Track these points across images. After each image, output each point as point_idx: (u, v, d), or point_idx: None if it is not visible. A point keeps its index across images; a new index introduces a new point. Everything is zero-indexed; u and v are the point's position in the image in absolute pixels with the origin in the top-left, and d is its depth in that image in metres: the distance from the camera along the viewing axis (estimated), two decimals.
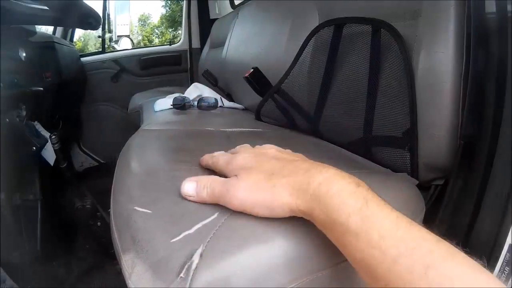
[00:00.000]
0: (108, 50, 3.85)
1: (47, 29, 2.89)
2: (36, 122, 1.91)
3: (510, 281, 0.73)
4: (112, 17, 4.11)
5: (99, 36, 3.74)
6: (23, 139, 1.70)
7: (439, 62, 1.01)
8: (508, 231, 0.72)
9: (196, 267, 0.56)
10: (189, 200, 0.68)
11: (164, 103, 2.12)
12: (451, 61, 0.98)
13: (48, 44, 2.38)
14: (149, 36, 12.63)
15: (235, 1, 3.57)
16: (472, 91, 0.92)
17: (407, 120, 1.08)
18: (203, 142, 1.26)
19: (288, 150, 0.74)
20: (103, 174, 3.17)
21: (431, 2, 1.06)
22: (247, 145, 0.80)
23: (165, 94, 2.45)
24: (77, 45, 3.50)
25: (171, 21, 11.30)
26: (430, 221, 1.01)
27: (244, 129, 1.51)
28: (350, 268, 0.54)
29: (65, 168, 2.30)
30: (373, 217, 0.49)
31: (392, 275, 0.45)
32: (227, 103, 2.25)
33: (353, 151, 1.30)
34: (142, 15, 12.31)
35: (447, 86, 0.99)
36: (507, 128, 0.75)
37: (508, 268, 0.72)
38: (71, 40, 3.48)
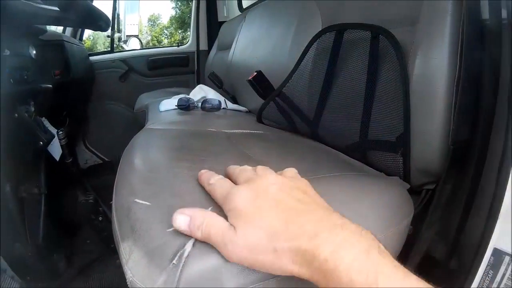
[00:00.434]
0: (117, 50, 3.90)
1: (57, 28, 2.92)
2: (43, 118, 1.95)
3: (493, 285, 0.75)
4: (121, 17, 4.15)
5: (108, 36, 3.79)
6: (30, 133, 1.73)
7: (433, 68, 1.04)
8: (492, 235, 0.74)
9: (188, 255, 0.60)
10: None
11: (169, 103, 2.15)
12: (445, 68, 1.01)
13: (58, 43, 2.42)
14: (158, 36, 12.66)
15: (243, 5, 3.61)
16: (463, 97, 0.95)
17: (400, 125, 1.11)
18: (205, 142, 1.30)
19: (297, 181, 0.66)
20: (107, 172, 3.21)
21: (429, 9, 1.09)
22: (247, 168, 0.72)
23: (171, 94, 2.48)
24: (86, 44, 3.53)
25: (181, 22, 11.33)
26: (420, 224, 1.04)
27: (245, 131, 1.54)
28: None
29: (70, 163, 2.33)
30: None
31: None
32: (230, 105, 2.28)
33: (350, 155, 1.34)
34: (152, 15, 12.36)
35: (441, 92, 1.02)
36: (498, 135, 0.77)
37: (492, 272, 0.74)
38: (80, 39, 3.51)
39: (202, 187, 0.81)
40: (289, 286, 0.64)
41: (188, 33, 4.11)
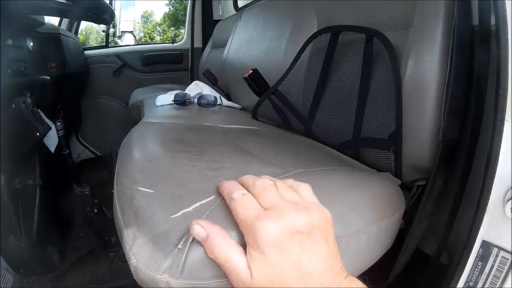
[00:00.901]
0: (111, 45, 3.90)
1: (50, 20, 2.92)
2: (39, 110, 1.96)
3: (482, 276, 0.77)
4: (117, 12, 4.16)
5: (103, 31, 3.78)
6: (27, 125, 1.73)
7: (425, 70, 1.08)
8: (480, 227, 0.75)
9: (193, 240, 0.63)
10: None
11: (166, 98, 2.17)
12: (436, 70, 1.05)
13: (54, 36, 2.43)
14: (150, 33, 12.59)
15: (238, 4, 3.63)
16: (453, 98, 0.99)
17: (393, 123, 1.15)
18: (202, 135, 1.33)
19: (322, 221, 0.62)
20: (99, 166, 3.22)
21: (422, 14, 1.13)
22: (269, 185, 0.67)
23: (165, 90, 2.51)
24: (79, 38, 3.52)
25: (174, 19, 11.27)
26: (411, 219, 1.08)
27: (241, 126, 1.57)
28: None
29: (67, 155, 2.35)
30: None
31: None
32: (225, 102, 2.31)
33: (343, 152, 1.38)
34: (145, 12, 12.29)
35: (431, 93, 1.06)
36: (486, 134, 0.79)
37: (481, 263, 0.75)
38: (76, 33, 3.51)
39: (204, 177, 0.85)
40: None
41: (181, 30, 4.13)
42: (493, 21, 0.85)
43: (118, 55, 3.70)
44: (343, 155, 1.37)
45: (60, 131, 2.20)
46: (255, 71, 1.83)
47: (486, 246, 0.74)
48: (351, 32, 1.34)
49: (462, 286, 0.78)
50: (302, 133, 1.58)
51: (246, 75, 1.82)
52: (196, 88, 2.32)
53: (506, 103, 0.67)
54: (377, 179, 1.07)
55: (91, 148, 3.69)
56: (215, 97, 2.21)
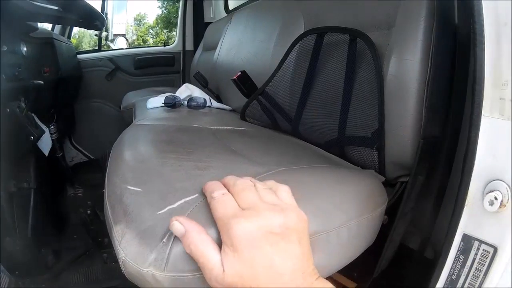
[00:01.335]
0: (104, 49, 3.90)
1: (43, 24, 2.91)
2: (33, 115, 1.97)
3: (464, 269, 0.77)
4: (109, 16, 4.16)
5: (96, 35, 3.79)
6: (22, 128, 1.73)
7: (406, 69, 1.10)
8: (459, 220, 0.75)
9: None
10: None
11: (156, 101, 2.18)
12: (418, 68, 1.07)
13: (48, 41, 2.42)
14: (143, 36, 12.55)
15: (229, 6, 3.64)
16: (433, 96, 1.00)
17: (376, 121, 1.16)
18: (191, 136, 1.34)
19: (299, 223, 0.64)
20: (93, 169, 3.22)
21: (404, 14, 1.15)
22: (249, 186, 0.69)
23: (157, 93, 2.50)
24: (72, 42, 3.52)
25: (167, 22, 11.22)
26: (394, 215, 1.09)
27: (229, 127, 1.58)
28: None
29: (60, 158, 2.36)
30: None
31: None
32: (215, 103, 2.32)
33: (328, 150, 1.39)
34: (138, 14, 12.24)
35: (413, 91, 1.07)
36: (465, 132, 0.80)
37: (462, 257, 0.75)
38: (69, 37, 3.50)
39: (190, 176, 0.86)
40: None
41: (174, 33, 4.13)
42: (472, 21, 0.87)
43: (110, 59, 3.69)
44: (328, 153, 1.38)
45: (54, 134, 2.21)
46: (243, 73, 1.84)
47: (467, 240, 0.74)
48: (335, 33, 1.36)
49: (444, 280, 0.78)
50: (289, 133, 1.59)
51: (234, 77, 1.84)
52: (187, 91, 2.32)
53: (482, 98, 0.68)
54: (360, 175, 1.09)
55: (85, 152, 3.67)
56: (205, 99, 2.22)
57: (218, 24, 3.33)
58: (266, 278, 0.57)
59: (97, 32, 3.73)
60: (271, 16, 2.15)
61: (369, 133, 1.19)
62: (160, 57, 3.92)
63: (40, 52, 2.20)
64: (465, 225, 0.74)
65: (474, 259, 0.73)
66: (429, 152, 1.02)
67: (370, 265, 1.14)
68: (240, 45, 2.48)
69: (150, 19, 12.80)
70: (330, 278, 0.98)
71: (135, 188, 0.83)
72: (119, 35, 4.30)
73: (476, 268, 0.73)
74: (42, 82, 1.98)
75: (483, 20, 0.67)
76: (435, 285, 0.79)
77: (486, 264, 0.71)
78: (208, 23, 3.75)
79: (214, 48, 3.00)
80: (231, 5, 3.61)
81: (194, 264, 0.62)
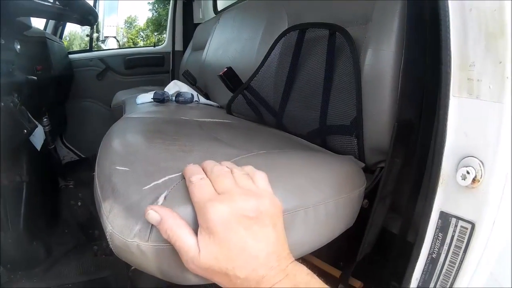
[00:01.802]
0: (95, 49, 3.92)
1: (35, 24, 2.91)
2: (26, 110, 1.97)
3: (444, 247, 0.78)
4: (100, 17, 4.16)
5: (87, 35, 3.80)
6: (15, 123, 1.74)
7: (382, 59, 1.14)
8: (435, 197, 0.75)
9: (161, 206, 0.67)
10: None
11: (146, 97, 2.21)
12: (392, 58, 1.11)
13: (41, 39, 2.44)
14: (134, 38, 12.48)
15: (218, 7, 3.66)
16: (406, 82, 1.04)
17: (354, 110, 1.20)
18: (178, 127, 1.37)
19: (272, 208, 0.66)
20: (84, 167, 3.21)
21: (380, 9, 1.19)
22: (225, 171, 0.71)
23: (147, 92, 2.51)
24: (63, 43, 3.52)
25: (157, 24, 11.16)
26: (375, 199, 1.11)
27: (215, 120, 1.61)
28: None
29: (52, 150, 2.36)
30: None
31: None
32: (203, 100, 2.35)
33: (311, 141, 1.42)
34: (129, 17, 12.17)
35: (388, 79, 1.11)
36: (442, 113, 0.80)
37: (441, 235, 0.75)
38: (61, 37, 3.51)
39: (175, 157, 0.90)
40: None
41: (164, 35, 4.13)
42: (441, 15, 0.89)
43: (101, 59, 3.70)
44: (311, 143, 1.41)
45: (47, 127, 2.22)
46: (229, 69, 1.88)
47: (445, 217, 0.74)
48: (316, 29, 1.39)
49: (425, 259, 0.79)
50: (274, 126, 1.62)
51: (221, 73, 1.88)
52: (175, 87, 2.35)
53: (449, 79, 0.70)
54: (338, 159, 1.13)
55: (75, 151, 3.66)
56: (192, 95, 2.25)
57: (207, 24, 3.36)
58: (241, 260, 0.59)
59: (88, 33, 3.74)
60: (256, 16, 2.18)
61: (348, 121, 1.22)
62: (150, 57, 3.94)
63: (33, 50, 2.21)
64: (442, 202, 0.74)
65: (452, 236, 0.73)
66: (404, 135, 1.04)
67: (355, 253, 1.16)
68: (227, 43, 2.50)
69: (141, 22, 12.76)
70: (316, 268, 1.00)
71: (123, 168, 0.86)
72: (109, 37, 4.28)
73: (455, 245, 0.73)
74: (35, 78, 1.99)
75: (448, 7, 0.70)
76: (415, 264, 0.80)
77: (465, 240, 0.71)
78: (197, 24, 3.77)
79: (202, 47, 3.01)
80: (220, 6, 3.63)
81: None
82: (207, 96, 2.57)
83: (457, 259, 0.73)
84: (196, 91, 2.49)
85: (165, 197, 0.70)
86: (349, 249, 1.20)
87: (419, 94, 1.01)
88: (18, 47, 1.90)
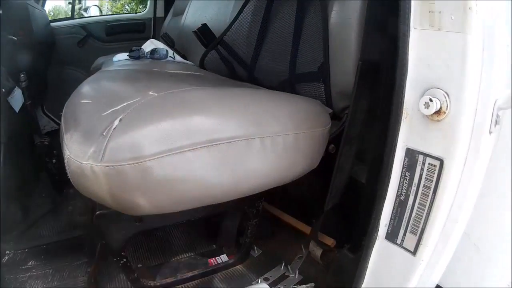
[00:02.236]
0: (77, 17, 3.85)
1: None
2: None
3: (412, 187, 0.72)
4: None
5: (69, 3, 3.74)
6: None
7: (347, 7, 1.13)
8: (398, 132, 0.72)
9: (115, 128, 0.68)
10: None
11: (122, 55, 2.21)
12: (358, 4, 1.10)
13: (22, 5, 2.41)
14: (119, 12, 12.35)
15: None
16: (369, 19, 1.02)
17: (321, 55, 1.19)
18: (149, 76, 1.38)
19: None
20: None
21: None
22: None
23: None
24: (45, 11, 3.48)
25: None
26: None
27: (187, 72, 1.60)
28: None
29: (28, 106, 2.32)
30: None
31: None
32: (178, 58, 2.33)
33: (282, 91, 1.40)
34: None
35: (354, 21, 1.11)
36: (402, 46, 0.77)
37: (408, 174, 0.72)
38: (43, 5, 3.39)
39: (137, 88, 0.93)
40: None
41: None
42: None
43: (83, 26, 3.64)
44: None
45: (24, 83, 2.17)
46: (204, 25, 1.87)
47: (411, 154, 0.71)
48: None
49: (392, 203, 0.76)
50: (246, 80, 1.61)
51: (195, 29, 1.87)
52: (151, 45, 2.33)
53: (409, 12, 0.68)
54: (302, 98, 1.12)
55: (56, 120, 3.56)
56: (167, 51, 2.23)
57: None
58: None
59: (70, 0, 3.68)
60: None
61: (315, 67, 1.22)
62: (131, 23, 3.89)
63: (14, 14, 2.18)
64: (407, 138, 0.71)
65: (421, 175, 0.70)
66: (369, 75, 1.02)
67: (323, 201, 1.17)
68: (205, 6, 2.47)
69: None
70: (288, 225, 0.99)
71: (86, 101, 0.91)
72: (92, 5, 4.22)
73: (424, 185, 0.70)
74: (15, 37, 1.96)
75: None
76: (382, 208, 0.77)
77: (434, 179, 0.68)
78: None
79: (183, 12, 2.97)
80: None
81: (127, 153, 0.66)
82: (185, 58, 2.54)
83: (426, 200, 0.70)
84: (175, 53, 2.45)
85: (120, 120, 0.70)
86: (320, 205, 1.19)
87: (383, 33, 0.99)
88: (0, 12, 1.87)
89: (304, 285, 1.29)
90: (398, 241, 0.76)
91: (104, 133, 0.68)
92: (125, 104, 0.76)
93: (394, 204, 0.75)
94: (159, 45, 2.38)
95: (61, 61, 3.51)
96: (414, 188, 0.72)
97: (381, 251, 0.80)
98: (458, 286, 0.76)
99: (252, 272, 1.38)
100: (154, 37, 3.71)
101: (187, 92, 0.92)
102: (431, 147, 0.67)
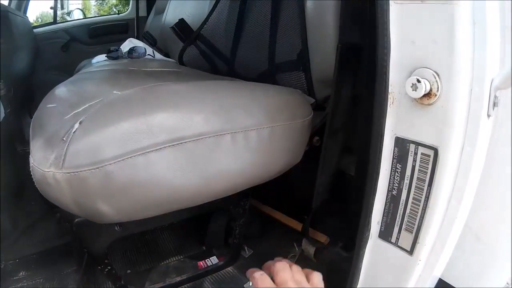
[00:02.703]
0: (59, 21, 3.79)
1: None
2: None
3: (404, 181, 0.67)
4: None
5: (51, 7, 3.67)
6: None
7: None
8: (385, 120, 0.63)
9: (75, 131, 0.64)
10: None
11: (101, 57, 2.21)
12: None
13: (3, 14, 2.37)
14: (107, 15, 12.30)
15: None
16: (346, 7, 0.95)
17: (299, 42, 1.14)
18: (122, 75, 1.32)
19: None
20: None
21: None
22: (286, 270, 0.75)
23: None
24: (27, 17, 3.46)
25: None
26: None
27: (164, 69, 1.55)
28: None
29: (8, 114, 2.29)
30: None
31: None
32: (158, 55, 2.30)
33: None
34: None
35: (330, 6, 1.04)
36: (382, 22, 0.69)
37: (400, 165, 0.64)
38: (25, 12, 3.39)
39: (102, 89, 0.90)
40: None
41: None
42: None
43: (66, 30, 3.59)
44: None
45: (2, 90, 2.15)
46: (181, 20, 1.83)
47: (401, 143, 0.62)
48: None
49: (384, 200, 0.68)
50: (227, 74, 1.57)
51: (172, 25, 1.83)
52: (130, 45, 2.29)
53: None
54: (280, 89, 1.05)
55: None
56: (145, 48, 2.20)
57: None
58: None
59: (52, 5, 3.62)
60: None
61: (294, 55, 1.17)
62: (114, 24, 3.83)
63: None
64: (395, 126, 0.62)
65: (413, 167, 0.61)
66: (349, 59, 0.96)
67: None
68: (184, 2, 2.41)
69: None
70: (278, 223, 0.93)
71: (52, 105, 0.87)
72: (75, 9, 4.17)
73: (418, 178, 0.61)
74: None
75: None
76: (373, 204, 0.70)
77: (429, 171, 0.59)
78: None
79: (164, 10, 2.92)
80: None
81: (87, 159, 0.63)
82: (167, 56, 2.50)
83: (421, 195, 0.61)
84: (157, 51, 2.42)
85: (80, 122, 0.67)
86: (310, 201, 1.15)
87: (363, 11, 0.92)
88: None
89: None
90: (393, 240, 0.69)
91: (64, 138, 0.65)
92: (86, 105, 0.73)
93: (386, 199, 0.68)
94: (138, 44, 2.35)
95: (45, 67, 3.47)
96: (406, 181, 0.63)
97: (375, 251, 0.74)
98: (459, 277, 0.68)
99: (244, 274, 1.34)
100: (138, 37, 3.68)
101: (153, 88, 0.87)
102: (423, 135, 0.59)
